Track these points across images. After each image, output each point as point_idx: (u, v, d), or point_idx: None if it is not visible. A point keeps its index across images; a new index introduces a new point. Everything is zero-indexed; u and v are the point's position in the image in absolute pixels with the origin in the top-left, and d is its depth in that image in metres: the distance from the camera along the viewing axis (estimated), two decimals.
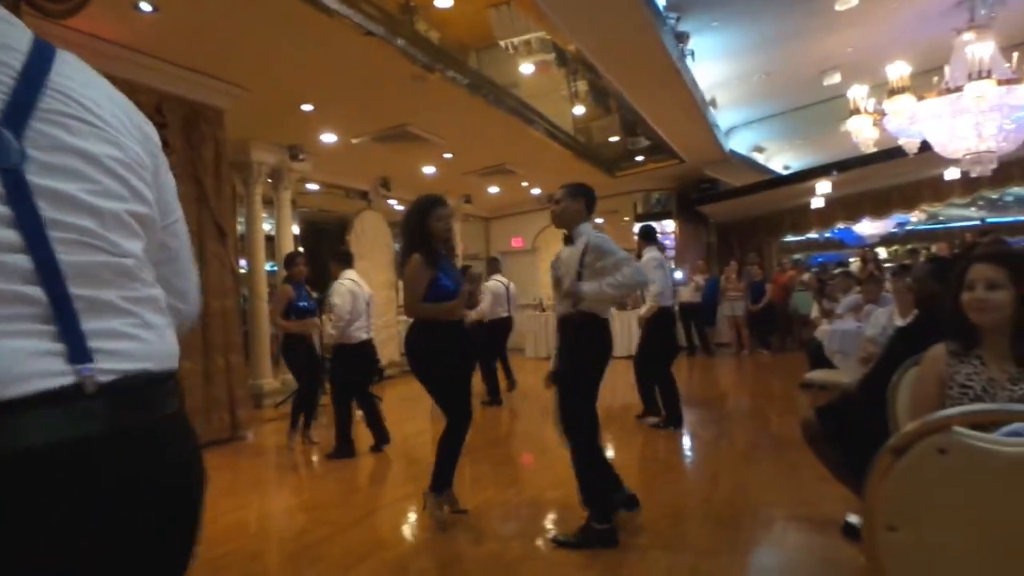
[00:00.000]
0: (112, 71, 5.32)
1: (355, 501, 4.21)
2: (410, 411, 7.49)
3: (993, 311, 1.95)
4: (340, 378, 5.48)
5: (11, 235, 0.69)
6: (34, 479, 0.66)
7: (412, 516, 3.92)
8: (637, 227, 13.01)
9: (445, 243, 3.65)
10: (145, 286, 0.83)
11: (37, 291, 0.70)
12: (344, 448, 5.27)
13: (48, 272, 0.71)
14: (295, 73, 6.32)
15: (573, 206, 3.39)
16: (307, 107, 7.28)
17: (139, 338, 0.79)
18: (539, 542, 3.19)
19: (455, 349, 3.52)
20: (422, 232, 3.54)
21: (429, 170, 10.37)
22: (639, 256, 5.79)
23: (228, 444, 5.84)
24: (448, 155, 9.59)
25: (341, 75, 6.48)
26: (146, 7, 4.79)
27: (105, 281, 0.77)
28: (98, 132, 0.80)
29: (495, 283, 7.83)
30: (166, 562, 0.83)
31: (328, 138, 8.40)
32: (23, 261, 0.69)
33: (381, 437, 5.42)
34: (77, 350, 0.71)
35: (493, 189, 12.32)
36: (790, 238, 15.21)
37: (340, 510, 3.96)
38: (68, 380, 0.70)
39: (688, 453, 5.10)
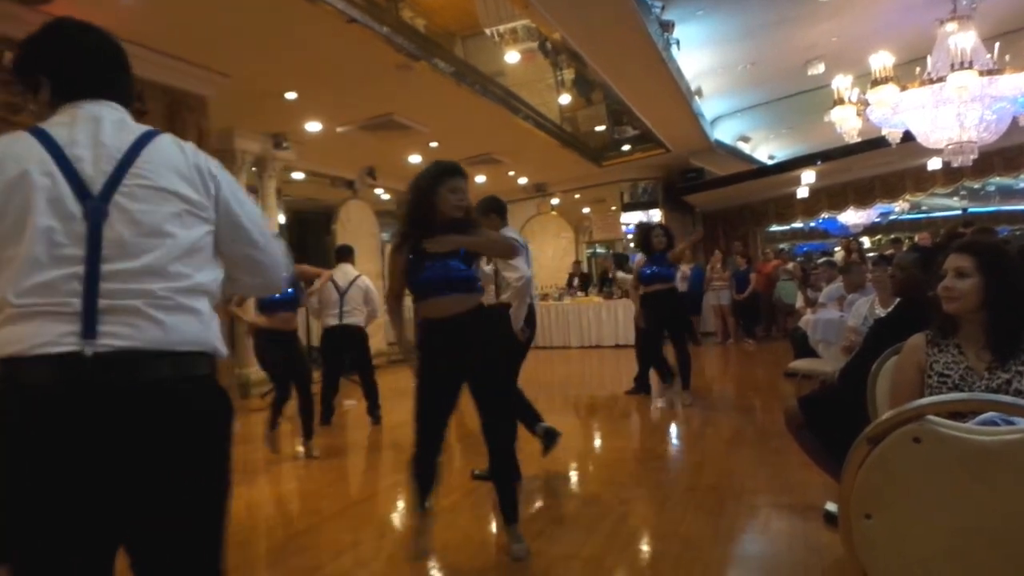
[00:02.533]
0: None
1: (341, 491, 4.22)
2: (397, 401, 7.50)
3: (958, 299, 1.99)
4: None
5: (79, 269, 1.17)
6: (39, 401, 1.14)
7: (400, 504, 3.93)
8: (623, 216, 13.17)
9: (461, 222, 2.87)
10: (174, 295, 1.25)
11: (77, 300, 1.17)
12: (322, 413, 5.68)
13: (90, 286, 1.17)
14: (278, 61, 6.27)
15: (488, 224, 3.71)
16: (291, 95, 7.22)
17: (139, 327, 1.20)
18: (527, 530, 3.20)
19: None
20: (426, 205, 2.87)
21: (415, 159, 10.32)
22: None
23: None
24: (434, 144, 9.55)
25: (325, 63, 6.43)
26: None
27: (130, 294, 1.20)
28: (157, 194, 1.26)
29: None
30: (166, 478, 1.22)
31: (313, 126, 8.34)
32: (77, 284, 1.17)
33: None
34: (88, 331, 1.16)
35: (480, 178, 12.29)
36: (775, 227, 15.30)
37: (327, 500, 3.97)
38: (73, 348, 1.14)
39: (674, 441, 5.14)
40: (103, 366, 1.16)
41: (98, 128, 1.28)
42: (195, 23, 5.37)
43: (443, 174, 2.87)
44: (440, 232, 2.81)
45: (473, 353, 2.84)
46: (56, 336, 1.14)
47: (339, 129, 8.52)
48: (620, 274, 8.22)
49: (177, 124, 5.93)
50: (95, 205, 1.20)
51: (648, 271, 6.20)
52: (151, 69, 5.70)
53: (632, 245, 12.76)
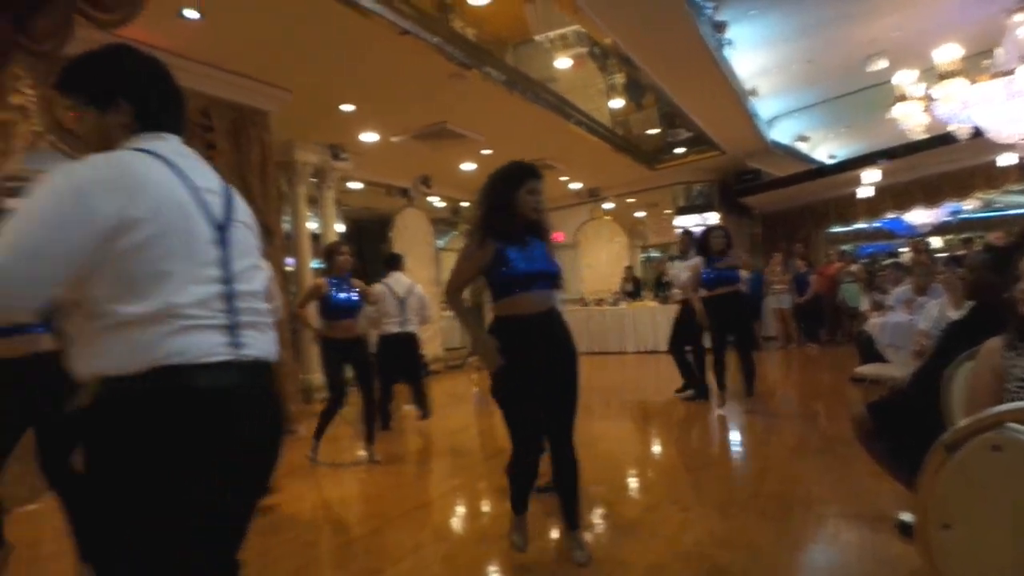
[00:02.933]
0: None
1: (404, 494, 4.28)
2: (454, 408, 7.57)
3: None
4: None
5: (221, 288, 1.37)
6: (210, 403, 1.31)
7: (460, 509, 3.98)
8: (677, 220, 12.98)
9: (535, 223, 2.88)
10: (268, 314, 1.50)
11: (224, 316, 1.37)
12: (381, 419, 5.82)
13: (232, 303, 1.39)
14: (335, 74, 6.43)
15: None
16: (347, 107, 7.39)
17: (261, 340, 1.46)
18: (587, 536, 3.19)
19: None
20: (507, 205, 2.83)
21: (469, 166, 10.43)
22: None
23: None
24: (487, 151, 9.62)
25: (380, 75, 6.56)
26: (191, 15, 4.93)
27: (253, 311, 1.44)
28: (246, 226, 1.52)
29: None
30: (270, 465, 1.50)
31: (369, 137, 8.52)
32: (221, 302, 1.37)
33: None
34: (236, 344, 1.38)
35: None
36: (837, 229, 14.82)
37: (390, 503, 4.04)
38: (230, 357, 1.35)
39: (735, 447, 5.05)
40: (245, 373, 1.38)
41: (195, 164, 1.47)
42: (256, 42, 5.56)
43: (522, 175, 2.84)
44: (519, 232, 2.82)
45: (555, 350, 2.82)
46: (215, 347, 1.33)
47: (394, 139, 8.67)
48: (671, 264, 8.14)
49: (242, 139, 6.14)
50: (225, 234, 1.42)
51: (709, 274, 5.99)
52: (218, 87, 5.93)
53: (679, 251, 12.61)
